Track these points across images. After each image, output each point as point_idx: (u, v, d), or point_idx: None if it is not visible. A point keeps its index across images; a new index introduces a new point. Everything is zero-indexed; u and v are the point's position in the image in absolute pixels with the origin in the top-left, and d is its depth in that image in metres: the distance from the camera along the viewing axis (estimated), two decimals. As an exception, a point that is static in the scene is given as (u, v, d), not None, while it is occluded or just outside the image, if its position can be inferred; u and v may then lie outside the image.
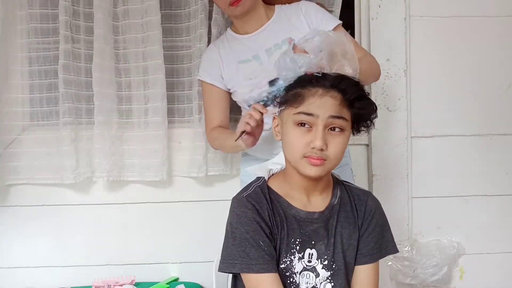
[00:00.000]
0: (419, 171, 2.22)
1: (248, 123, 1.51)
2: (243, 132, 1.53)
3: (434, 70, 2.20)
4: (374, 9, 2.16)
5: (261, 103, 1.49)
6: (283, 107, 1.30)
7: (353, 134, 1.32)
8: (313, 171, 1.25)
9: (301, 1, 1.83)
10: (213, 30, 2.02)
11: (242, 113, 1.88)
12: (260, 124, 1.54)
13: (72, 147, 2.05)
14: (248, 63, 1.77)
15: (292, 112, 1.26)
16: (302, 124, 1.25)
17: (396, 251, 1.41)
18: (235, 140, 1.56)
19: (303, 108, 1.24)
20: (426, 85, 2.20)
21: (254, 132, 1.55)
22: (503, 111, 2.23)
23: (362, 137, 2.19)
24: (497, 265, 2.26)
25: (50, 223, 2.15)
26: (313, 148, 1.22)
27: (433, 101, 2.21)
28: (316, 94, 1.24)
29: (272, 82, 1.44)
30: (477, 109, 2.22)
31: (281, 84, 1.34)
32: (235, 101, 1.88)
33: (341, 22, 1.77)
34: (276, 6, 1.83)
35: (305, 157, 1.24)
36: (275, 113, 1.35)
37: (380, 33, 2.16)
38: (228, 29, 1.89)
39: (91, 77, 2.03)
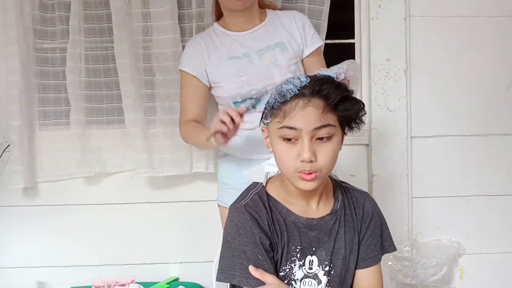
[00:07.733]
0: (419, 171, 2.21)
1: (225, 123, 1.48)
2: (217, 132, 1.51)
3: (434, 70, 2.20)
4: (374, 9, 2.16)
5: (246, 106, 1.55)
6: (268, 120, 1.27)
7: (345, 134, 1.28)
8: (307, 186, 1.21)
9: (294, 10, 1.90)
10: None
11: (219, 109, 1.84)
12: (235, 126, 1.51)
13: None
14: (238, 60, 1.76)
15: (276, 127, 1.22)
16: (287, 138, 1.21)
17: (394, 249, 1.40)
18: (207, 139, 1.54)
19: (286, 122, 1.20)
20: (426, 85, 2.20)
21: (227, 134, 1.52)
22: (503, 111, 2.23)
23: (362, 137, 2.23)
24: (497, 265, 2.26)
25: (50, 223, 2.16)
26: (302, 161, 1.19)
27: (433, 101, 2.20)
28: (297, 106, 1.19)
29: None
30: (477, 109, 2.22)
31: (255, 101, 1.57)
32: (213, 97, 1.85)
33: (323, 43, 1.86)
34: (267, 10, 1.87)
35: (297, 172, 1.21)
36: (264, 125, 1.31)
37: (380, 33, 2.16)
38: (216, 24, 1.87)
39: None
